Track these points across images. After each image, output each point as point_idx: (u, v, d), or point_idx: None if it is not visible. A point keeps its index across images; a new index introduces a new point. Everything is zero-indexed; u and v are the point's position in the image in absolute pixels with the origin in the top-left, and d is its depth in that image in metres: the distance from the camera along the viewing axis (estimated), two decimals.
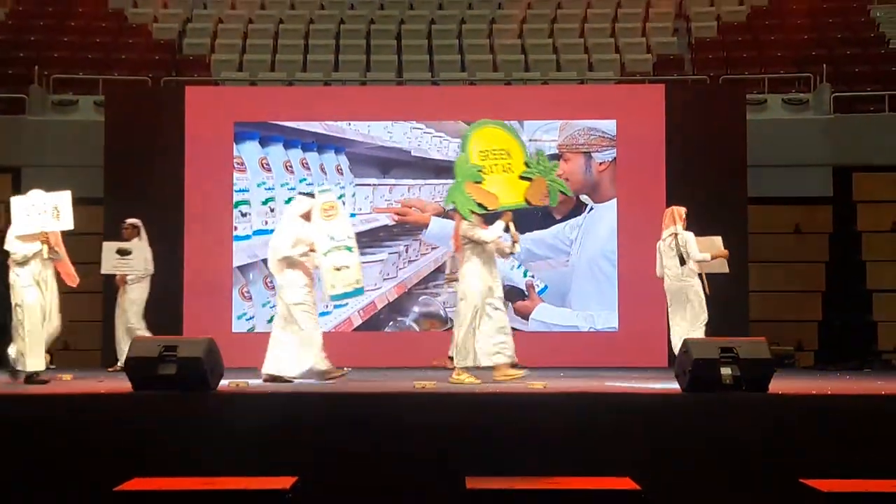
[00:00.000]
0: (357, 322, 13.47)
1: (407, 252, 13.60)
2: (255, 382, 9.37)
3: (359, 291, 9.92)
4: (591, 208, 13.67)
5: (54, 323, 9.64)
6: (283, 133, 13.69)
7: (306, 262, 9.72)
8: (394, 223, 13.62)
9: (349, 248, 9.69)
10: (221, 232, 13.43)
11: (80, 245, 13.06)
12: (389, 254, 13.55)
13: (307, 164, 13.65)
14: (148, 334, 11.53)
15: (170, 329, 12.23)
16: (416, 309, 13.65)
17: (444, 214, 13.43)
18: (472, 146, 9.63)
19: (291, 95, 14.67)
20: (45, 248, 9.45)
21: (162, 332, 11.29)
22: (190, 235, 13.37)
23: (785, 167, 14.37)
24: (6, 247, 9.53)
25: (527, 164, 9.63)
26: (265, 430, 7.36)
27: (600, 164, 13.73)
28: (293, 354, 9.60)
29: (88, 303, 13.22)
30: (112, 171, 13.63)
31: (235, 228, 13.47)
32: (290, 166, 13.63)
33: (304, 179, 13.58)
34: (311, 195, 10.01)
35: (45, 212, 9.51)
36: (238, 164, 13.63)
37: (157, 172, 13.51)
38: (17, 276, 9.43)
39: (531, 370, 10.53)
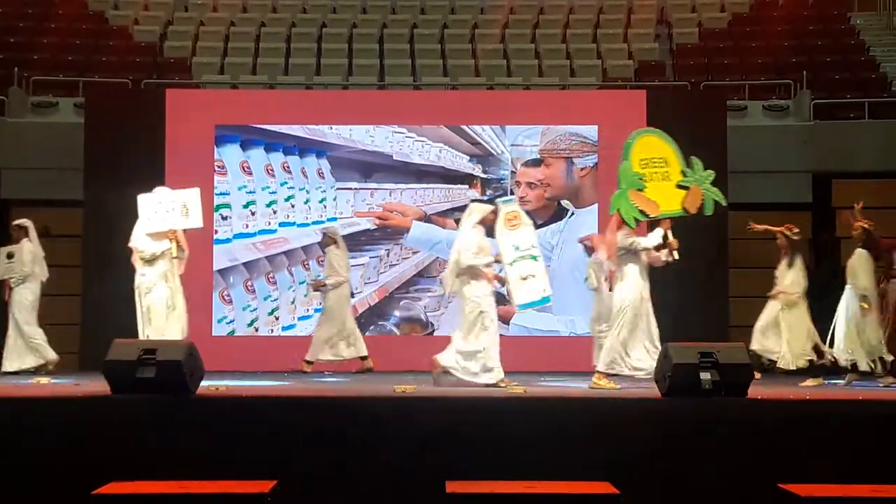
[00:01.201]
0: None
1: (388, 256, 13.60)
2: (234, 385, 9.34)
3: (546, 300, 9.88)
4: (572, 213, 13.69)
5: (184, 319, 9.60)
6: (265, 136, 13.67)
7: (488, 271, 9.67)
8: (375, 227, 13.62)
9: (534, 258, 9.71)
10: (202, 235, 13.36)
11: (57, 248, 13.05)
12: (370, 258, 13.56)
13: (289, 167, 13.64)
14: (39, 337, 11.53)
15: None
16: (397, 313, 13.66)
17: (426, 219, 13.44)
18: (633, 155, 9.67)
19: (273, 99, 14.67)
20: (175, 246, 9.28)
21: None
22: None
23: (765, 173, 14.42)
24: (133, 244, 9.34)
25: (683, 173, 9.68)
26: (245, 433, 7.34)
27: (581, 169, 13.77)
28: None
29: (67, 306, 13.16)
30: (92, 174, 13.57)
31: (216, 232, 13.44)
32: (272, 170, 13.61)
33: (286, 183, 13.58)
34: (485, 202, 10.00)
35: (173, 209, 9.37)
36: (219, 167, 13.61)
37: (137, 175, 13.41)
38: (143, 276, 9.25)
39: (512, 375, 10.55)
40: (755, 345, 10.90)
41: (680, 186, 9.65)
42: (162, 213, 9.32)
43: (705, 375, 7.89)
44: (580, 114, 13.88)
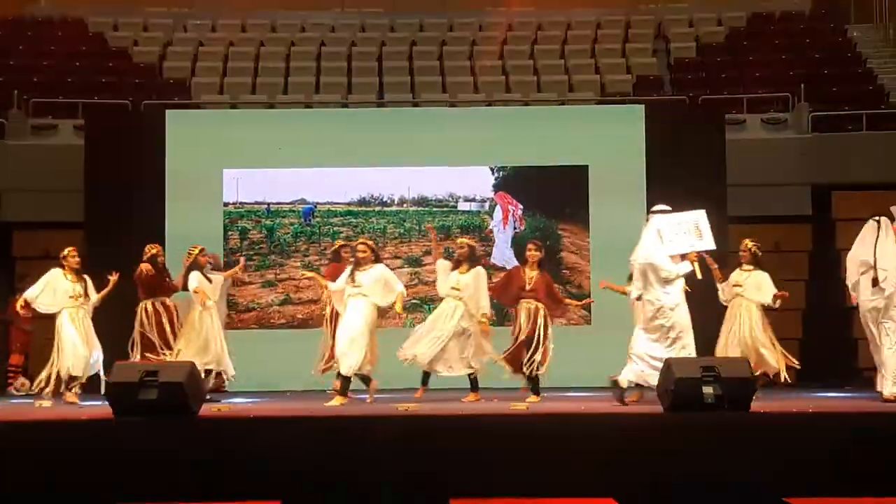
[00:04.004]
0: None
1: None
2: (238, 405, 9.34)
3: None
4: None
5: None
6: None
7: None
8: None
9: None
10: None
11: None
12: None
13: None
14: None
15: None
16: None
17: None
18: None
19: (272, 119, 14.71)
20: (697, 267, 9.34)
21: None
22: (172, 260, 13.29)
23: (764, 186, 14.44)
24: (657, 262, 9.28)
25: None
26: (249, 454, 7.34)
27: None
28: None
29: None
30: (92, 196, 13.57)
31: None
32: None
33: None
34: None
35: (687, 231, 9.37)
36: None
37: (138, 196, 13.46)
38: (666, 295, 9.29)
39: (514, 391, 10.57)
40: None
41: None
42: (680, 234, 9.32)
43: (708, 389, 7.90)
44: (578, 129, 13.91)
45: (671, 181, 13.48)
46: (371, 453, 7.42)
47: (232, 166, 13.81)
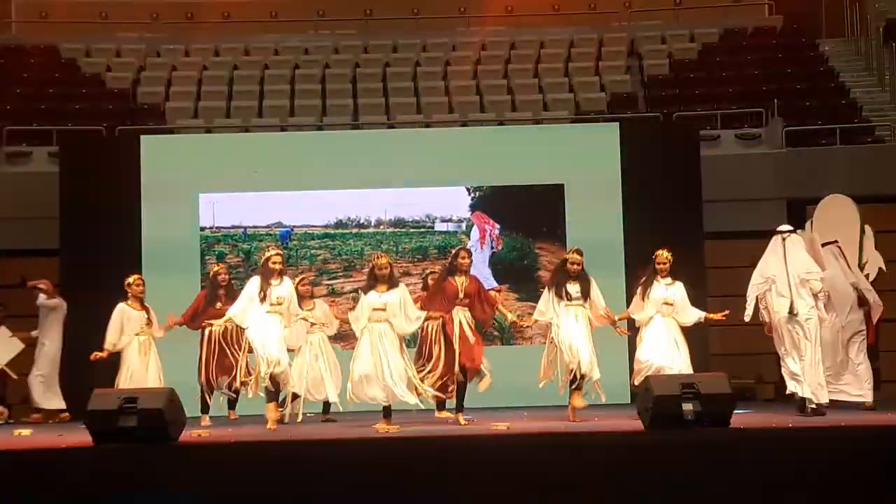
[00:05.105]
0: None
1: None
2: (218, 432, 9.30)
3: None
4: None
5: None
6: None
7: None
8: None
9: None
10: (181, 282, 13.31)
11: (34, 298, 12.96)
12: None
13: None
14: None
15: None
16: None
17: None
18: None
19: (248, 142, 14.68)
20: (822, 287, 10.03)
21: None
22: (149, 286, 13.24)
23: (739, 201, 14.50)
24: (815, 277, 9.89)
25: None
26: (229, 480, 7.30)
27: None
28: None
29: None
30: (67, 223, 13.51)
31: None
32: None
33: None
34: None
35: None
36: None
37: (113, 222, 13.40)
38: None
39: (494, 410, 10.55)
40: None
41: None
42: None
43: (688, 406, 7.92)
44: (554, 148, 13.94)
45: (647, 198, 13.55)
46: (352, 476, 7.39)
47: (208, 190, 13.77)
